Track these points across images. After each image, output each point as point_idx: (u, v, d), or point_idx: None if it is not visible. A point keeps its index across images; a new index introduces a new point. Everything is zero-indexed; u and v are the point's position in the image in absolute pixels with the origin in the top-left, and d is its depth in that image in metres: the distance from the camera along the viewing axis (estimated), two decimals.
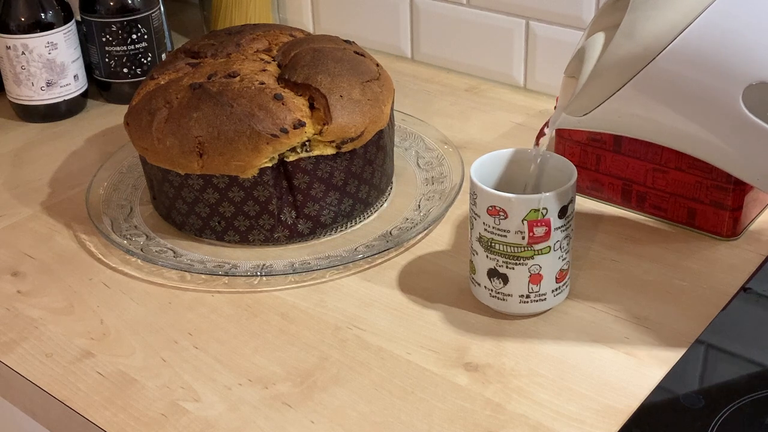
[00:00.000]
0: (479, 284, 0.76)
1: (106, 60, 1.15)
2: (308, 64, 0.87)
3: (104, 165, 0.98)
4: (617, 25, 0.67)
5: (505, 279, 0.74)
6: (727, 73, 0.65)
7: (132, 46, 1.14)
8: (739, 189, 0.82)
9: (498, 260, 0.74)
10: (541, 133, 0.75)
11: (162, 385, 0.71)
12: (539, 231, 0.71)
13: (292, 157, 0.83)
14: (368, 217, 0.91)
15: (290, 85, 0.86)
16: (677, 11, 0.64)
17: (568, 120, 0.72)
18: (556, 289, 0.75)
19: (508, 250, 0.73)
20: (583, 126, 0.72)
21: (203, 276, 0.83)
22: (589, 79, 0.68)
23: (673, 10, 0.64)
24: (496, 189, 0.73)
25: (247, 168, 0.82)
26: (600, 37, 0.71)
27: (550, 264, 0.73)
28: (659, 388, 0.68)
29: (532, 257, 0.73)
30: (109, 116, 1.15)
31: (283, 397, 0.69)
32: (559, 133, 0.90)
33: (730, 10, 0.64)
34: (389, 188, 0.94)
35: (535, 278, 0.74)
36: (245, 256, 0.85)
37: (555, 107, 0.88)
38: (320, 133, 0.84)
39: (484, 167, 0.76)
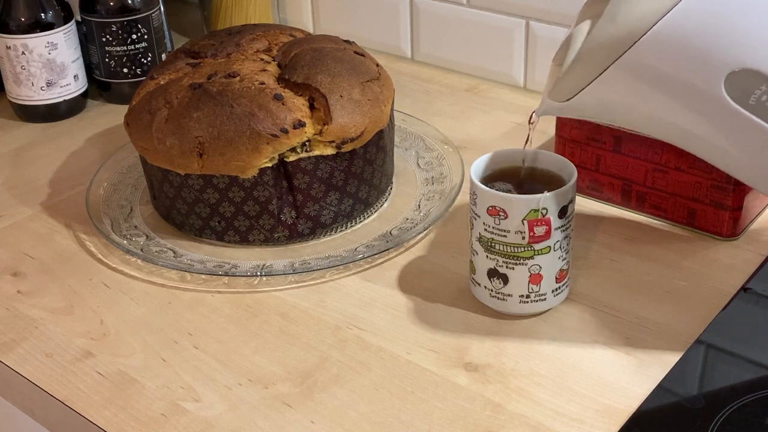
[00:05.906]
0: (479, 284, 0.76)
1: (106, 60, 1.15)
2: (308, 64, 0.87)
3: (104, 165, 0.98)
4: None
5: (505, 279, 0.74)
6: (710, 58, 0.65)
7: (132, 46, 1.14)
8: (739, 189, 0.82)
9: (498, 260, 0.74)
10: (530, 121, 0.75)
11: (162, 385, 0.71)
12: (540, 230, 0.71)
13: (292, 157, 0.83)
14: (368, 217, 0.91)
15: (290, 85, 0.86)
16: None
17: (552, 106, 0.72)
18: (556, 289, 0.75)
19: (508, 250, 0.73)
20: (568, 113, 0.71)
21: (203, 276, 0.83)
22: (574, 63, 0.68)
23: None
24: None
25: (247, 168, 0.82)
26: (587, 24, 0.71)
27: (550, 264, 0.73)
28: (659, 388, 0.68)
29: (532, 257, 0.73)
30: (109, 116, 1.15)
31: (283, 397, 0.69)
32: (560, 133, 0.90)
33: None
34: (389, 188, 0.94)
35: (535, 278, 0.74)
36: (245, 256, 0.85)
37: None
38: (320, 133, 0.84)
39: (484, 167, 0.76)
